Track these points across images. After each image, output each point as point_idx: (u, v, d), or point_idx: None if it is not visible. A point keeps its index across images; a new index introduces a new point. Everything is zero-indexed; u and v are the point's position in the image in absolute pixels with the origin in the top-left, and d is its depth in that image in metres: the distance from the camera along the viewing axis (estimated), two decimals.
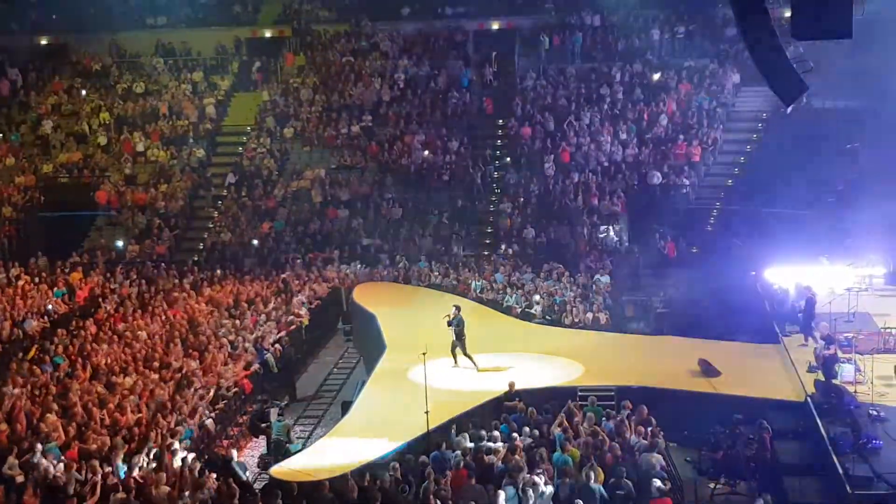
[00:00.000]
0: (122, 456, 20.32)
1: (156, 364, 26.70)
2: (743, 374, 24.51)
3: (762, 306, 29.47)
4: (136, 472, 19.71)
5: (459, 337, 25.86)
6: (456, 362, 26.09)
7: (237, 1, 51.21)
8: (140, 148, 45.32)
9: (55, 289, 34.71)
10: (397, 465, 19.34)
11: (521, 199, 40.35)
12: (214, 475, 19.48)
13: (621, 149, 41.52)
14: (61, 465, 19.97)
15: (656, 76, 44.48)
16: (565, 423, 21.34)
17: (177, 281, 35.97)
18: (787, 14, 14.04)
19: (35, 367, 26.28)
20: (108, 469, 19.57)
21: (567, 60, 46.48)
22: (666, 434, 21.06)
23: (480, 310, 31.65)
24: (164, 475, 19.23)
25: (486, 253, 38.44)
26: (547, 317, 31.02)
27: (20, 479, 19.78)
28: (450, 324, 25.85)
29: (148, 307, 32.57)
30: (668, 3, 46.27)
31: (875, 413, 21.21)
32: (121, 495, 18.42)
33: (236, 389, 26.42)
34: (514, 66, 46.92)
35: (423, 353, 22.28)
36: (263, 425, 24.66)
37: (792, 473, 20.55)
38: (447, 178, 41.94)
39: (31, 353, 27.94)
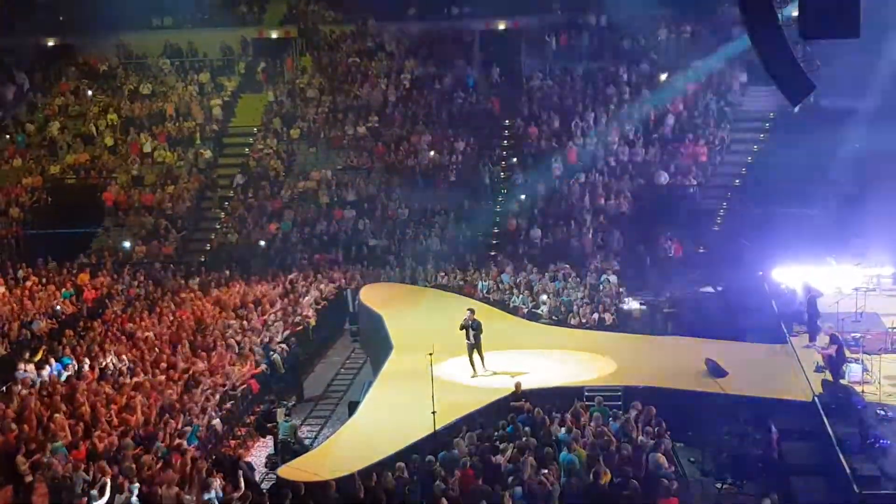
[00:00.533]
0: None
1: (163, 365, 26.75)
2: (750, 374, 24.46)
3: (769, 306, 29.43)
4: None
5: (478, 340, 25.64)
6: (484, 367, 25.89)
7: (243, 1, 51.22)
8: (147, 149, 45.37)
9: (63, 290, 34.77)
10: (403, 466, 19.35)
11: (528, 200, 40.31)
12: (222, 475, 19.51)
13: (628, 149, 41.50)
14: (69, 465, 20.01)
15: (663, 76, 44.43)
16: (571, 423, 21.36)
17: (184, 282, 36.02)
18: (795, 13, 14.01)
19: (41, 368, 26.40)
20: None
21: (574, 60, 46.46)
22: (672, 434, 21.06)
23: (487, 310, 31.65)
24: (173, 474, 19.26)
25: (492, 253, 38.41)
26: (553, 317, 31.02)
27: (29, 478, 19.84)
28: (471, 328, 25.61)
29: (155, 308, 32.61)
30: (675, 3, 46.18)
31: (883, 413, 21.18)
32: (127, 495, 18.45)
33: (243, 389, 26.45)
34: (520, 66, 46.91)
35: (430, 354, 22.28)
36: (269, 425, 24.67)
37: (799, 473, 20.51)
38: (454, 179, 41.94)
39: (39, 355, 27.97)
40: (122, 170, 44.54)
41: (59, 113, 47.61)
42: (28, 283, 35.04)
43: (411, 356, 25.40)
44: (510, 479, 18.56)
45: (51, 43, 50.99)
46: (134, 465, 19.75)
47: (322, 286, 35.29)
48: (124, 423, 22.64)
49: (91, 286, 35.35)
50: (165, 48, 50.19)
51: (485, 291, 33.65)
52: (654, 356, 26.87)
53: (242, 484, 19.29)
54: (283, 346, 29.51)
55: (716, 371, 24.29)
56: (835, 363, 23.00)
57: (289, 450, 23.05)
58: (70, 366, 26.72)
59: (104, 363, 26.68)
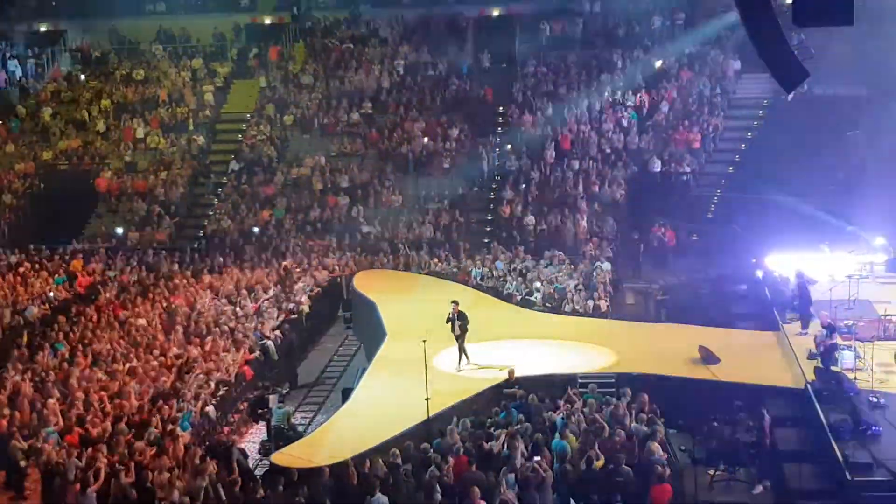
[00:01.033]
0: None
1: (156, 351, 26.76)
2: (743, 362, 24.51)
3: (762, 293, 29.48)
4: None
5: (463, 333, 25.43)
6: (467, 359, 25.59)
7: None
8: (140, 135, 45.26)
9: (56, 276, 34.73)
10: (397, 452, 19.37)
11: (522, 187, 40.30)
12: (215, 462, 19.52)
13: (622, 136, 41.48)
14: (63, 451, 20.04)
15: (658, 63, 44.41)
16: (564, 409, 21.40)
17: (177, 268, 35.98)
18: (788, 0, 14.01)
19: (36, 353, 26.39)
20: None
21: (568, 47, 46.41)
22: (665, 421, 21.09)
23: (480, 297, 31.69)
24: (166, 460, 19.29)
25: (486, 240, 38.39)
26: (547, 304, 31.03)
27: (23, 463, 19.88)
28: (457, 320, 25.38)
29: (148, 294, 32.58)
30: None
31: (875, 400, 21.23)
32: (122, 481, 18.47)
33: (237, 375, 26.46)
34: (514, 52, 46.85)
35: (424, 341, 22.31)
36: (260, 411, 24.66)
37: (791, 460, 20.57)
38: (447, 166, 41.91)
39: (25, 340, 27.89)
40: (115, 156, 44.45)
41: (52, 98, 47.48)
42: (21, 270, 34.98)
43: (405, 343, 25.39)
44: (503, 465, 18.59)
45: (43, 28, 50.84)
46: (127, 451, 19.79)
47: (316, 273, 35.25)
48: (118, 409, 22.67)
49: (84, 272, 35.30)
50: (158, 34, 50.12)
51: (478, 278, 33.63)
52: (647, 343, 26.89)
53: (236, 470, 19.34)
54: (277, 332, 29.52)
55: (709, 358, 24.32)
56: (826, 350, 23.07)
57: (282, 436, 23.08)
58: (63, 351, 26.71)
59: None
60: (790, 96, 30.08)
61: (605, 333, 28.06)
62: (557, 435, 19.80)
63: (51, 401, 22.58)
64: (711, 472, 20.36)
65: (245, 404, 26.02)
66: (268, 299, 32.13)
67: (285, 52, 49.03)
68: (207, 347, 27.31)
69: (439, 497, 17.37)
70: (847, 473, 18.61)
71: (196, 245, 40.12)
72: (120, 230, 40.83)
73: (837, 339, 23.55)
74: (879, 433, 19.76)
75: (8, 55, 49.26)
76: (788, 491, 19.80)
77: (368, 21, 49.19)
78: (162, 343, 27.59)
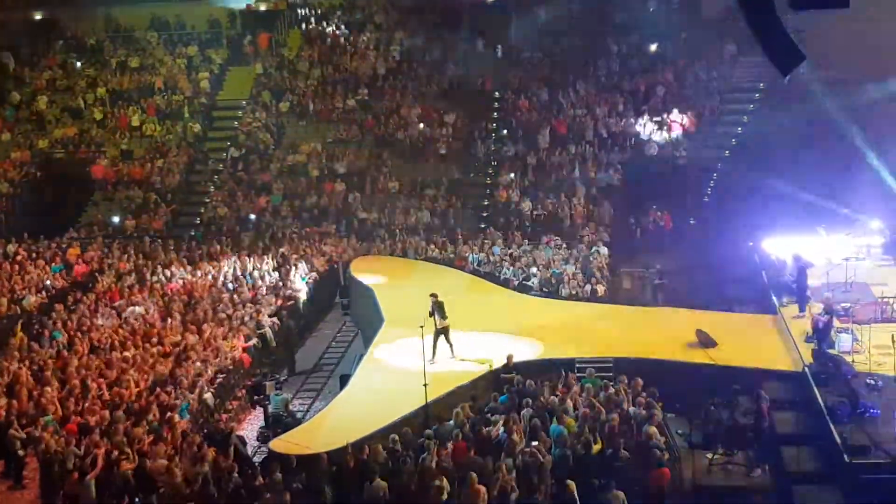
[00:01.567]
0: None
1: (154, 339, 26.76)
2: (740, 345, 24.58)
3: (759, 277, 29.51)
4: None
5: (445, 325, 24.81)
6: (453, 351, 24.97)
7: None
8: (135, 122, 45.18)
9: (53, 264, 34.70)
10: (396, 438, 19.40)
11: (518, 172, 40.28)
12: (214, 449, 19.56)
13: (618, 120, 41.42)
14: (61, 439, 20.06)
15: (653, 47, 44.32)
16: (562, 393, 21.45)
17: (174, 255, 35.95)
18: None
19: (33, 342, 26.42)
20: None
21: (563, 32, 46.27)
22: (663, 405, 21.14)
23: (478, 282, 31.72)
24: (164, 447, 19.32)
25: (483, 226, 38.38)
26: (544, 289, 31.05)
27: (21, 452, 19.90)
28: (438, 311, 24.73)
29: (145, 282, 32.57)
30: None
31: (872, 382, 21.29)
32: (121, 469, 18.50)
33: (235, 362, 26.46)
34: (509, 38, 46.72)
35: (422, 327, 22.32)
36: (257, 398, 24.70)
37: (789, 443, 20.63)
38: (444, 152, 41.87)
39: (17, 331, 27.83)
40: (111, 144, 44.35)
41: (47, 87, 47.36)
42: (18, 258, 34.94)
43: (402, 329, 25.40)
44: (502, 451, 18.63)
45: (38, 16, 50.64)
46: (126, 439, 19.81)
47: (313, 259, 35.23)
48: (116, 396, 22.69)
49: (81, 260, 35.27)
50: (153, 21, 49.93)
51: (476, 264, 33.65)
52: (644, 327, 26.92)
53: (232, 456, 19.38)
54: (275, 319, 29.52)
55: (706, 342, 24.38)
56: (824, 332, 23.10)
57: (281, 423, 23.12)
58: (61, 340, 26.71)
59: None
60: (787, 80, 29.98)
61: (602, 317, 28.11)
62: (555, 419, 19.84)
63: (48, 389, 22.59)
64: (709, 455, 20.40)
65: (243, 391, 26.04)
66: (265, 287, 32.11)
67: (279, 38, 48.87)
68: (205, 335, 27.31)
69: (439, 483, 17.40)
70: (845, 456, 18.67)
71: (193, 232, 40.08)
72: (116, 218, 40.79)
73: (835, 322, 23.59)
74: (877, 415, 19.83)
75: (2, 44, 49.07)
76: (786, 474, 19.86)
77: (364, 7, 49.01)
78: (159, 330, 27.60)
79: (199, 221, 41.40)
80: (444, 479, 17.43)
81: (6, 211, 41.49)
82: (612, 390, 21.50)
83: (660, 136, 40.19)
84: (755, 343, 24.92)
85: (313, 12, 49.43)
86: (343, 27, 48.34)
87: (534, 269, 32.15)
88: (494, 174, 41.02)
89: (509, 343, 25.20)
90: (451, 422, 20.22)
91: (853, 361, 22.38)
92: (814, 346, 23.25)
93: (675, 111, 40.95)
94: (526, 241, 35.49)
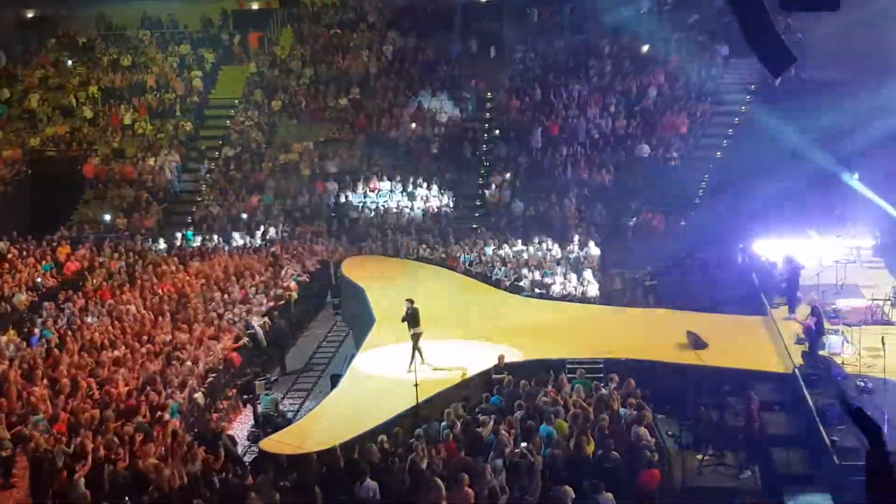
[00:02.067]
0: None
1: (144, 338, 26.72)
2: (730, 346, 24.60)
3: (750, 278, 29.55)
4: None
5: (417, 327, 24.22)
6: (423, 358, 24.15)
7: None
8: (127, 121, 45.13)
9: (43, 262, 34.63)
10: (385, 438, 19.39)
11: (510, 172, 40.30)
12: (204, 448, 19.54)
13: (610, 121, 41.47)
14: (51, 438, 20.01)
15: (645, 48, 44.37)
16: (553, 394, 21.45)
17: (165, 254, 35.91)
18: None
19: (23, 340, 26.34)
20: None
21: (556, 32, 46.32)
22: (653, 406, 21.15)
23: (469, 283, 31.71)
24: (154, 447, 19.29)
25: (474, 226, 38.40)
26: (535, 289, 31.07)
27: (6, 453, 19.82)
28: (412, 319, 24.17)
29: (136, 281, 32.52)
30: None
31: (862, 384, 21.31)
32: (111, 467, 18.47)
33: (225, 362, 26.43)
34: (502, 38, 46.73)
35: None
36: (246, 397, 24.71)
37: (779, 445, 20.66)
38: (435, 151, 41.88)
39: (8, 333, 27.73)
40: (103, 142, 44.32)
41: (39, 85, 47.28)
42: (8, 256, 34.86)
43: (394, 329, 25.39)
44: (492, 451, 18.63)
45: (30, 14, 50.57)
46: (116, 438, 19.78)
47: (304, 259, 35.22)
48: (106, 395, 22.65)
49: (71, 259, 35.20)
50: (145, 20, 49.87)
51: (467, 264, 33.65)
52: (635, 329, 26.95)
53: (222, 456, 19.36)
54: (266, 319, 29.49)
55: (696, 343, 24.40)
56: (814, 335, 23.13)
57: (271, 423, 23.11)
58: (51, 338, 26.65)
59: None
60: (777, 81, 30.09)
61: (593, 318, 28.14)
62: (545, 421, 19.84)
63: (37, 388, 22.54)
64: (699, 456, 20.43)
65: (234, 391, 26.03)
66: (255, 285, 32.08)
67: (271, 37, 48.86)
68: (196, 334, 27.28)
69: (430, 483, 17.38)
70: (835, 458, 18.69)
71: (184, 231, 40.03)
72: (108, 216, 40.74)
73: (825, 324, 23.63)
74: None
75: None
76: (776, 475, 19.89)
77: (356, 6, 49.01)
78: (150, 329, 27.56)
79: (190, 220, 41.35)
80: (438, 480, 17.42)
81: None
82: (604, 391, 21.52)
83: (651, 137, 40.20)
84: (745, 344, 24.93)
85: (306, 11, 49.41)
86: (335, 26, 48.28)
87: (525, 270, 32.16)
88: (486, 174, 41.04)
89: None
90: (443, 422, 20.22)
91: (843, 363, 22.41)
92: (804, 348, 23.29)
93: (667, 112, 41.00)
94: (518, 241, 35.48)
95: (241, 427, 24.62)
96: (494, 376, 22.99)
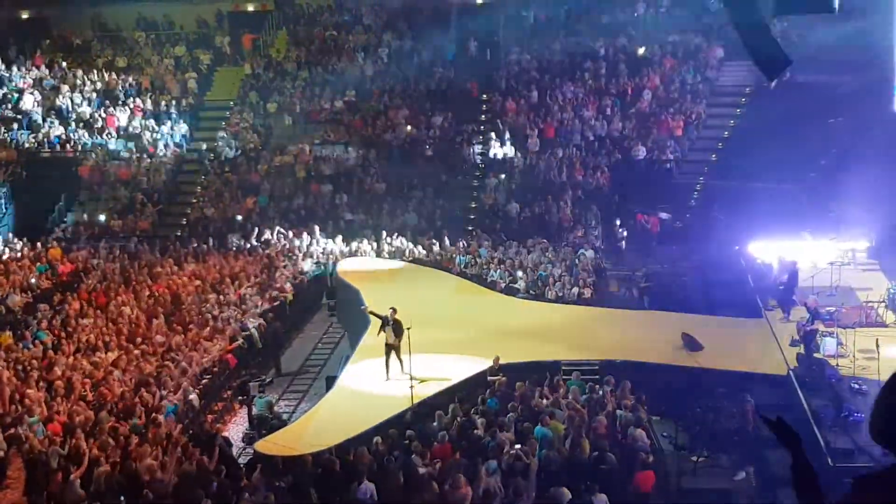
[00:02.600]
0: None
1: (139, 339, 26.71)
2: (726, 348, 24.65)
3: (745, 280, 29.59)
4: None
5: (398, 341, 23.73)
6: (388, 373, 23.84)
7: None
8: (122, 122, 45.07)
9: (38, 264, 34.60)
10: (380, 440, 19.39)
11: (506, 174, 40.33)
12: (199, 450, 19.52)
13: (605, 123, 41.51)
14: (46, 439, 19.99)
15: (641, 50, 44.42)
16: (549, 397, 21.47)
17: (160, 256, 35.89)
18: None
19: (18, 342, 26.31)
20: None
21: (551, 35, 46.34)
22: (648, 408, 21.18)
23: (464, 285, 31.72)
24: (148, 448, 19.27)
25: (469, 228, 38.40)
26: (531, 291, 31.08)
27: (0, 454, 19.78)
28: (394, 328, 23.72)
29: (131, 282, 32.50)
30: None
31: (856, 386, 21.38)
32: (105, 469, 18.44)
33: (221, 363, 26.42)
34: (498, 40, 46.76)
35: (408, 328, 22.30)
36: (241, 398, 24.71)
37: (774, 446, 20.55)
38: (431, 153, 41.89)
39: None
40: (98, 143, 44.24)
41: (34, 86, 47.22)
42: (3, 258, 34.83)
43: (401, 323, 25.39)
44: (487, 453, 18.63)
45: (25, 16, 50.54)
46: (111, 440, 19.76)
47: (299, 261, 35.21)
48: (101, 397, 22.64)
49: (66, 261, 35.18)
50: (140, 21, 49.86)
51: (462, 266, 33.66)
52: (630, 330, 26.97)
53: (216, 457, 19.34)
54: (261, 320, 29.48)
55: (691, 345, 24.43)
56: (809, 337, 23.18)
57: (266, 424, 23.10)
58: (46, 340, 26.62)
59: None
60: (773, 84, 30.13)
61: (588, 320, 28.16)
62: (540, 423, 19.85)
63: (32, 390, 22.52)
64: (694, 458, 20.44)
65: (229, 393, 26.03)
66: (250, 286, 32.08)
67: (266, 39, 48.86)
68: (191, 335, 27.27)
69: (425, 484, 17.40)
70: (829, 460, 18.74)
71: (179, 233, 40.01)
72: (102, 218, 40.69)
73: (820, 326, 23.69)
74: (861, 420, 19.87)
75: None
76: (771, 477, 19.89)
77: (352, 8, 49.01)
78: (145, 331, 27.54)
79: (185, 222, 41.32)
80: (433, 482, 17.43)
81: None
82: (601, 392, 21.55)
83: (647, 140, 40.25)
84: (740, 346, 24.98)
85: (301, 13, 49.42)
86: (331, 28, 48.28)
87: (520, 272, 32.18)
88: (482, 176, 41.05)
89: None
90: (436, 423, 20.23)
91: (838, 365, 22.47)
92: (799, 350, 23.34)
93: (663, 114, 41.06)
94: (513, 243, 35.48)
95: (236, 429, 24.60)
96: (489, 378, 22.99)
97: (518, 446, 18.61)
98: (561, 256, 33.71)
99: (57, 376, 23.47)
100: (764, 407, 21.78)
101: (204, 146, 44.48)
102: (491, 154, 41.68)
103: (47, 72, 47.86)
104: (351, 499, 17.52)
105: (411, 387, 21.29)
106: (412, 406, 21.22)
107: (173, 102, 45.92)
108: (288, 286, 32.61)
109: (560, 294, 30.55)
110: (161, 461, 19.07)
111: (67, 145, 44.23)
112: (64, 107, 45.78)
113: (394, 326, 23.63)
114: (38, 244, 37.06)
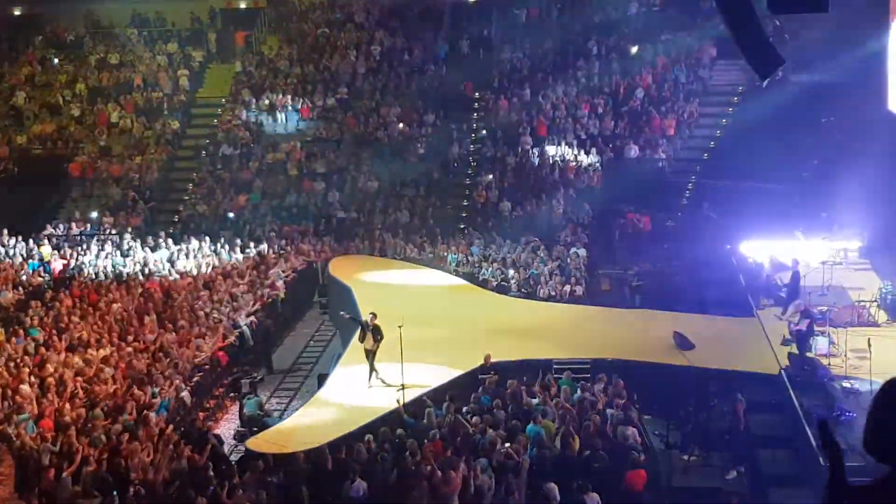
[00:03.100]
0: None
1: (130, 337, 26.68)
2: (717, 347, 24.65)
3: (737, 279, 29.62)
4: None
5: (376, 347, 23.64)
6: (375, 374, 23.72)
7: None
8: (114, 119, 45.03)
9: (30, 260, 34.54)
10: (372, 437, 19.39)
11: (498, 172, 40.32)
12: (190, 447, 19.51)
13: (598, 122, 41.52)
14: (37, 436, 19.97)
15: (633, 49, 44.43)
16: (540, 394, 21.49)
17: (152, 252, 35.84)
18: None
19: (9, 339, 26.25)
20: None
21: (544, 33, 46.33)
22: (640, 406, 21.21)
23: (456, 284, 31.73)
24: (139, 445, 19.26)
25: (462, 226, 38.39)
26: (523, 290, 31.09)
27: None
28: (374, 333, 23.61)
29: (123, 280, 32.47)
30: None
31: (848, 386, 21.41)
32: (96, 466, 18.43)
33: (212, 361, 26.41)
34: (490, 38, 46.74)
35: (400, 326, 22.28)
36: (232, 394, 24.69)
37: (765, 445, 20.74)
38: (423, 151, 41.87)
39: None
40: (90, 140, 44.21)
41: (26, 82, 47.15)
42: None
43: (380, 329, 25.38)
44: (479, 450, 18.65)
45: (17, 12, 50.42)
46: (102, 436, 19.75)
47: (291, 258, 35.19)
48: (93, 394, 22.61)
49: (58, 257, 35.12)
50: (133, 18, 49.77)
51: (454, 264, 33.66)
52: (622, 329, 26.98)
53: (208, 455, 19.34)
54: (253, 318, 29.47)
55: (683, 344, 24.45)
56: (802, 336, 23.20)
57: (257, 423, 23.10)
58: (37, 337, 26.57)
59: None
60: (765, 83, 30.12)
61: (580, 319, 28.17)
62: (532, 420, 19.87)
63: (24, 386, 22.48)
64: (686, 457, 20.49)
65: (220, 390, 26.03)
66: (243, 284, 32.05)
67: (259, 36, 48.82)
68: (183, 333, 27.25)
69: (417, 482, 17.40)
70: (820, 459, 18.73)
71: (171, 230, 39.95)
72: (94, 215, 40.64)
73: (813, 326, 23.71)
74: (853, 419, 19.90)
75: None
76: (762, 476, 19.97)
77: (344, 6, 48.97)
78: (137, 328, 27.51)
79: (177, 219, 41.28)
80: (423, 482, 17.43)
81: None
82: (596, 389, 21.57)
83: (639, 138, 40.28)
84: (732, 345, 25.00)
85: (294, 11, 49.37)
86: (323, 26, 48.23)
87: (512, 271, 32.18)
88: (474, 174, 41.05)
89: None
90: (427, 421, 20.23)
91: (829, 365, 22.51)
92: (791, 349, 23.37)
93: (655, 113, 41.08)
94: (508, 241, 35.48)
95: (227, 426, 24.60)
96: (481, 376, 22.98)
97: (508, 444, 18.64)
98: (553, 255, 33.71)
99: (49, 373, 23.44)
100: (755, 406, 21.86)
101: (196, 143, 44.48)
102: (483, 152, 41.64)
103: (39, 67, 47.77)
104: (343, 496, 17.52)
105: (402, 385, 21.28)
106: (403, 404, 21.21)
107: (165, 99, 45.85)
108: (280, 284, 32.58)
109: (552, 293, 30.57)
110: (152, 458, 19.09)
111: (59, 142, 44.15)
112: (56, 103, 45.72)
113: (373, 331, 23.56)
114: (30, 241, 36.99)
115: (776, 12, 13.08)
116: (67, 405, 21.77)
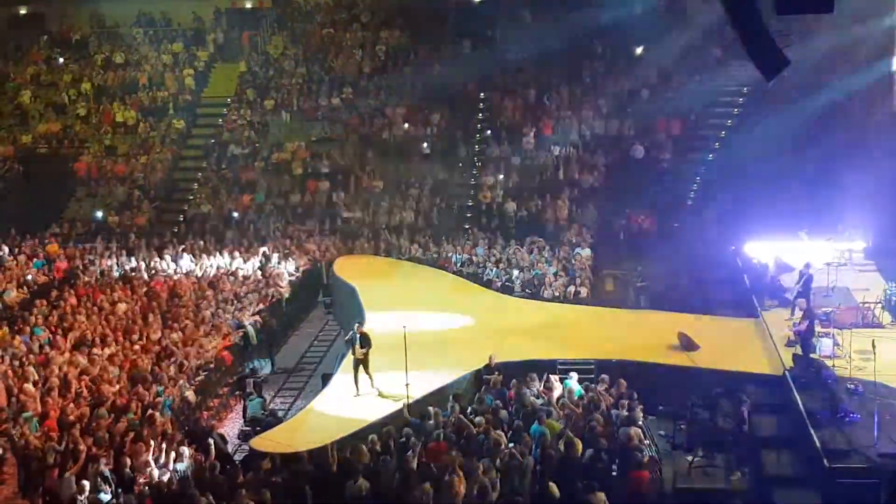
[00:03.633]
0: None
1: (135, 336, 26.69)
2: (722, 348, 24.63)
3: (741, 280, 29.58)
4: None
5: (366, 356, 23.44)
6: (357, 388, 23.34)
7: None
8: (119, 119, 45.06)
9: (35, 259, 34.56)
10: (376, 438, 19.37)
11: (503, 172, 40.29)
12: (194, 446, 19.54)
13: (603, 122, 41.47)
14: (42, 436, 19.99)
15: (638, 50, 44.33)
16: (543, 394, 21.49)
17: (156, 253, 35.85)
18: None
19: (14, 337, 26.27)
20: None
21: (549, 33, 46.23)
22: (644, 407, 21.17)
23: (461, 283, 31.73)
24: (144, 444, 19.27)
25: (466, 226, 38.37)
26: (527, 290, 31.07)
27: None
28: (361, 343, 23.35)
29: (128, 279, 32.49)
30: None
31: (852, 387, 21.36)
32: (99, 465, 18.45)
33: (217, 360, 26.42)
34: (495, 38, 46.68)
35: (404, 327, 22.29)
36: (238, 392, 24.70)
37: (769, 446, 20.71)
38: (428, 151, 41.85)
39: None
40: (95, 140, 44.26)
41: (31, 82, 47.20)
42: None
43: (385, 328, 25.39)
44: (483, 451, 18.63)
45: (23, 11, 50.45)
46: (107, 436, 19.77)
47: (296, 258, 35.20)
48: (97, 393, 22.63)
49: (62, 256, 35.14)
50: (138, 17, 49.79)
51: (459, 264, 33.66)
52: (626, 330, 26.95)
53: (213, 454, 19.36)
54: (257, 317, 29.48)
55: (688, 345, 24.43)
56: (805, 338, 23.16)
57: (261, 423, 23.12)
58: (42, 336, 26.59)
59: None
60: (770, 84, 30.05)
61: (584, 319, 28.15)
62: (536, 420, 19.85)
63: (28, 385, 22.51)
64: (690, 458, 20.44)
65: (225, 389, 26.05)
66: (248, 284, 32.07)
67: (264, 36, 48.81)
68: (187, 332, 27.27)
69: (421, 483, 17.38)
70: (825, 460, 18.73)
71: (176, 229, 39.99)
72: (99, 214, 40.70)
73: (815, 327, 23.66)
74: (857, 420, 19.90)
75: None
76: (766, 477, 19.93)
77: (349, 6, 48.93)
78: (141, 328, 27.53)
79: (182, 219, 41.30)
80: (428, 483, 17.41)
81: None
82: (600, 389, 21.55)
83: (644, 139, 40.22)
84: (737, 346, 24.97)
85: (299, 11, 49.34)
86: (329, 26, 48.20)
87: (516, 271, 32.17)
88: (479, 175, 41.03)
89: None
90: (431, 421, 20.21)
91: (834, 366, 22.46)
92: (795, 351, 23.33)
93: (660, 114, 41.02)
94: (509, 242, 35.46)
95: (231, 425, 24.61)
96: (485, 376, 22.97)
97: (510, 445, 18.63)
98: (557, 255, 33.69)
99: (53, 372, 23.46)
100: (759, 407, 21.82)
101: (201, 143, 44.53)
102: (488, 152, 41.63)
103: (45, 67, 47.82)
104: (346, 496, 17.51)
105: (406, 385, 21.28)
106: (408, 404, 21.22)
107: (170, 99, 45.88)
108: (284, 283, 32.60)
109: (556, 293, 30.55)
110: (157, 457, 19.12)
111: (64, 141, 44.20)
112: (61, 103, 45.77)
113: (361, 340, 23.43)
114: (35, 240, 37.04)
115: (782, 13, 13.04)
116: (72, 404, 21.79)
